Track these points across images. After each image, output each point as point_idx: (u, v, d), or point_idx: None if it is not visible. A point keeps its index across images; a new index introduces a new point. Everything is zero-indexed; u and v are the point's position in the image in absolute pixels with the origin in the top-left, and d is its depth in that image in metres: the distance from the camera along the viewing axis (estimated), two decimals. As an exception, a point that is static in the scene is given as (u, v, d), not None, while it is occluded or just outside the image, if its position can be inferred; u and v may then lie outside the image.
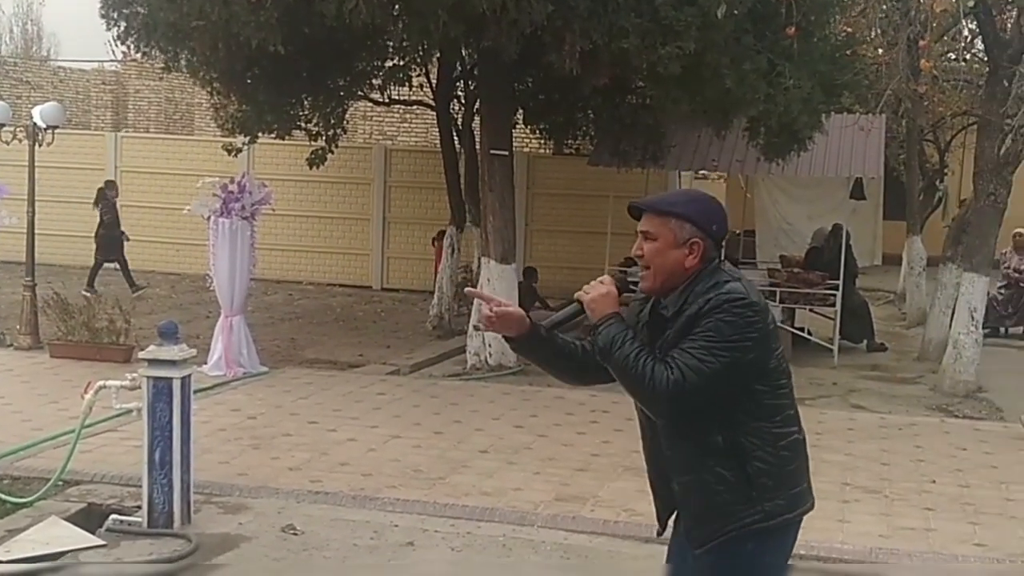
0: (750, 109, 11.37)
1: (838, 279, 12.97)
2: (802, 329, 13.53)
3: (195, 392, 6.69)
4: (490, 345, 11.75)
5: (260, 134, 14.07)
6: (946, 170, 19.51)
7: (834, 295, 12.92)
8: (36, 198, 12.20)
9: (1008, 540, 6.65)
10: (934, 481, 7.82)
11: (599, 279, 3.54)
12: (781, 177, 18.74)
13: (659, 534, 3.71)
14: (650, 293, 3.51)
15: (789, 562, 3.53)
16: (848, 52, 12.47)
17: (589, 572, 6.16)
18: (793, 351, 12.95)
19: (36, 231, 12.24)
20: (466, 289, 3.72)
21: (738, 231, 20.83)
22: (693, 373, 3.22)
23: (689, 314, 3.33)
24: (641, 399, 3.35)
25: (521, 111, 14.67)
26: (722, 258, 3.53)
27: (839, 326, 13.06)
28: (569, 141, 17.03)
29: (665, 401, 3.25)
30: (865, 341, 13.86)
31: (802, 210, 20.60)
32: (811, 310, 13.71)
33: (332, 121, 14.47)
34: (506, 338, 3.65)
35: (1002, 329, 14.92)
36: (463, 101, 15.18)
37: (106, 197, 16.61)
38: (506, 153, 12.06)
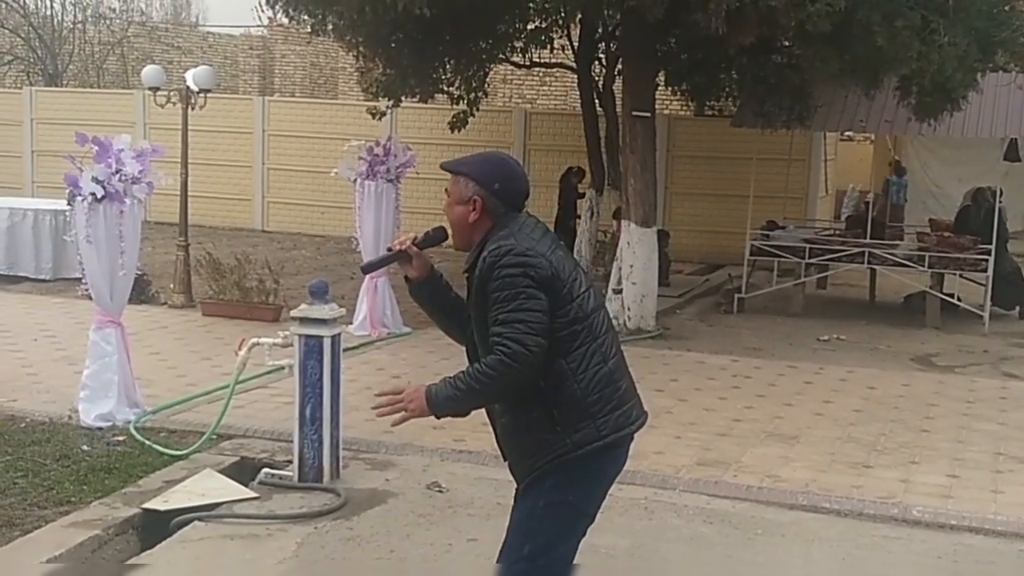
0: (902, 67, 11.02)
1: (989, 243, 12.54)
2: (951, 295, 13.12)
3: (342, 351, 6.83)
4: (629, 309, 11.70)
5: (403, 98, 14.21)
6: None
7: (985, 260, 12.50)
8: (188, 161, 12.55)
9: None
10: (1095, 453, 7.54)
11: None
12: (931, 139, 18.20)
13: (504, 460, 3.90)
14: (457, 247, 3.77)
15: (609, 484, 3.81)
16: (1006, 8, 11.96)
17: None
18: (942, 317, 12.64)
19: (188, 193, 12.60)
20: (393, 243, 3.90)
21: (907, 199, 20.34)
22: (517, 333, 3.47)
23: (477, 276, 3.60)
24: (511, 387, 3.53)
25: (663, 72, 14.50)
26: (525, 215, 3.73)
27: (990, 292, 12.63)
28: (711, 102, 16.79)
29: (524, 369, 3.47)
30: (1017, 308, 13.37)
31: (952, 173, 19.98)
32: (960, 275, 13.28)
33: (473, 84, 14.54)
34: (406, 279, 3.87)
35: None
36: (604, 63, 15.06)
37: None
38: (648, 115, 11.93)
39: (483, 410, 3.79)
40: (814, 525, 6.25)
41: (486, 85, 15.04)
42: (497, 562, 3.76)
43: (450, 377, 3.59)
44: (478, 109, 15.04)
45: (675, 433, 7.81)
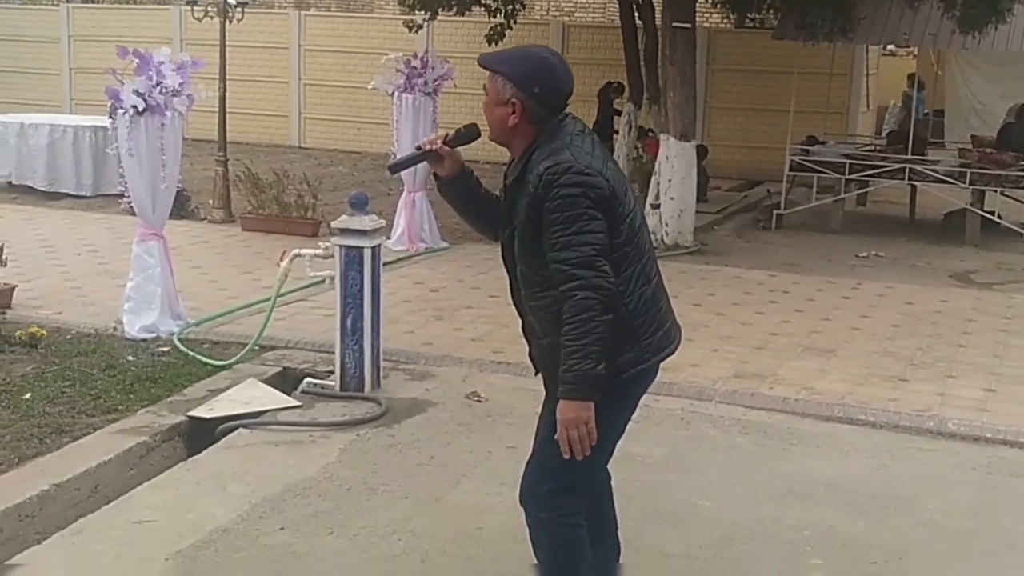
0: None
1: (1031, 160, 12.38)
2: (992, 212, 12.97)
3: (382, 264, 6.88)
4: (666, 224, 11.68)
5: (440, 10, 14.09)
6: None
7: (1028, 177, 12.36)
8: (226, 76, 12.54)
9: None
10: None
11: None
12: (975, 54, 17.80)
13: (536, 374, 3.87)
14: (493, 140, 3.64)
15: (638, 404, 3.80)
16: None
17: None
18: (982, 235, 12.53)
19: (226, 109, 12.61)
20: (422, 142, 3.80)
21: (927, 111, 20.03)
22: (584, 257, 3.35)
23: (531, 194, 3.44)
24: (607, 315, 3.38)
25: (704, -17, 14.30)
26: (572, 122, 3.58)
27: (1033, 209, 12.50)
28: (752, 14, 16.54)
29: (603, 294, 3.36)
30: (1060, 225, 13.24)
31: (996, 89, 19.55)
32: (1002, 193, 13.13)
33: (512, -4, 14.39)
34: (435, 175, 3.77)
35: None
36: (643, -27, 14.85)
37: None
38: (689, 26, 11.79)
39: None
40: (850, 436, 6.29)
41: (524, -3, 14.88)
42: (525, 470, 3.77)
43: (563, 366, 3.40)
44: (515, 22, 14.89)
45: (712, 346, 7.84)
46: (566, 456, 3.47)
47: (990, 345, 8.11)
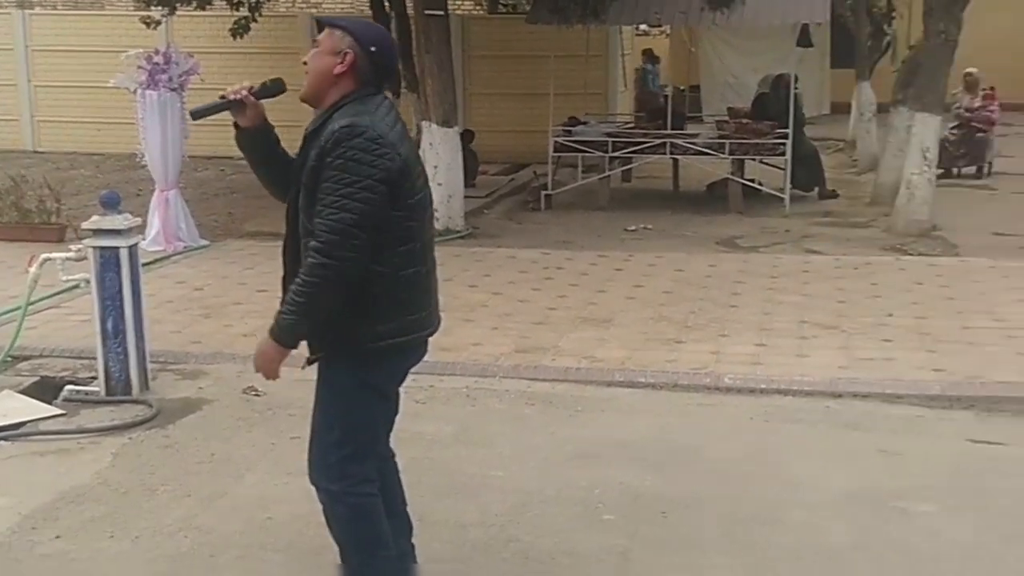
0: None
1: (786, 128, 12.89)
2: (753, 180, 13.46)
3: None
4: (436, 209, 11.56)
5: (178, 4, 13.56)
6: (894, 14, 19.33)
7: (783, 144, 12.85)
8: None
9: (965, 364, 6.74)
10: (891, 315, 7.89)
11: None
12: (725, 29, 18.55)
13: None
14: (303, 99, 3.59)
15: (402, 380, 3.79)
16: None
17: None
18: (745, 202, 12.98)
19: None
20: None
21: (683, 87, 20.67)
22: (340, 224, 3.34)
23: (319, 146, 3.43)
24: (338, 284, 3.40)
25: (454, -30, 14.27)
26: (385, 96, 3.62)
27: (790, 175, 13.02)
28: (504, 1, 16.64)
29: (343, 264, 3.36)
30: (816, 189, 13.85)
31: (748, 63, 20.46)
32: (761, 161, 13.66)
33: (255, -12, 14.00)
34: (235, 126, 3.70)
35: (955, 170, 15.00)
36: (391, -39, 14.71)
37: None
38: (441, 13, 11.73)
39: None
40: (631, 399, 6.37)
41: (268, -11, 14.48)
42: (309, 450, 3.73)
43: (280, 309, 3.46)
44: (260, 15, 14.49)
45: (492, 324, 7.81)
46: (256, 371, 3.57)
47: (759, 304, 8.37)
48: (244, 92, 3.62)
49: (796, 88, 13.45)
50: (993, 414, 6.10)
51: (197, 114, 3.83)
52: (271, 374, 3.54)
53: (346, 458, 3.63)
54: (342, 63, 3.52)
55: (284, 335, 3.45)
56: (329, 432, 3.63)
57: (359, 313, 3.48)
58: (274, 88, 3.67)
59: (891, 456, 5.52)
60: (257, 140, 3.70)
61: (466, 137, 14.33)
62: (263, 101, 3.67)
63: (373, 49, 3.54)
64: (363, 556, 3.70)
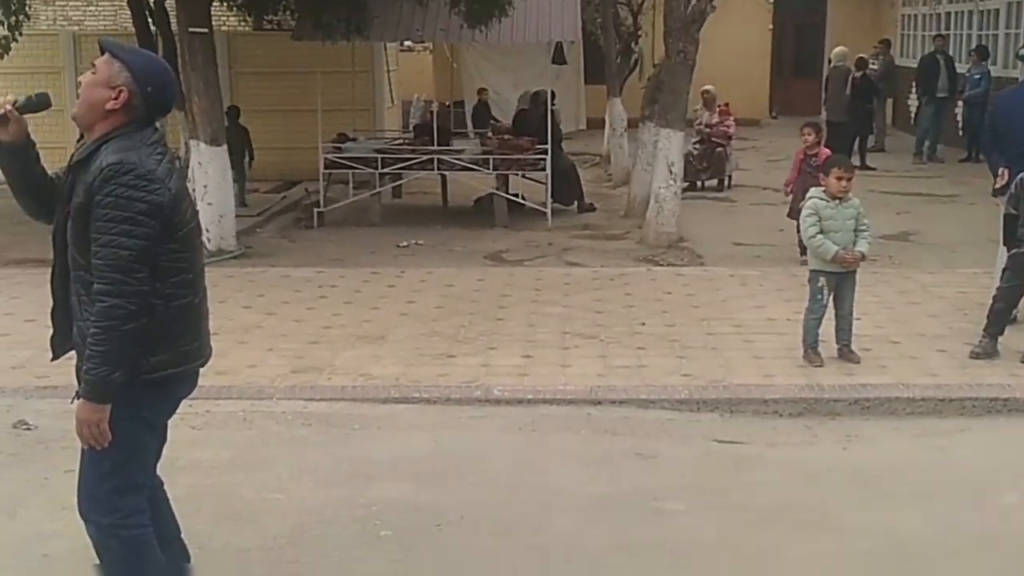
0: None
1: (546, 144, 13.41)
2: (516, 195, 13.93)
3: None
4: (208, 230, 11.53)
5: (-68, 23, 13.01)
6: (640, 32, 20.26)
7: (544, 159, 13.37)
8: None
9: (710, 368, 7.31)
10: (644, 323, 8.43)
11: None
12: (486, 46, 18.99)
13: (52, 360, 3.92)
14: (74, 119, 3.67)
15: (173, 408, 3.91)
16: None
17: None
18: (510, 216, 13.44)
19: None
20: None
21: (448, 103, 21.09)
22: (120, 262, 3.43)
23: (87, 182, 3.49)
24: (134, 321, 3.46)
25: (216, -14, 14.16)
26: (155, 130, 3.69)
27: (550, 189, 13.55)
28: (269, 16, 16.60)
29: (131, 300, 3.44)
30: (575, 202, 14.43)
31: (508, 79, 21.01)
32: (523, 175, 14.15)
33: (13, 7, 13.53)
34: None
35: (699, 183, 15.88)
36: (153, -21, 14.51)
37: None
38: (206, 30, 11.69)
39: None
40: (407, 415, 6.64)
41: (27, 7, 14.03)
42: (78, 484, 3.77)
43: (84, 367, 3.49)
44: (21, 34, 14.04)
45: (267, 346, 7.93)
46: (85, 447, 3.58)
47: (524, 316, 8.78)
48: (8, 107, 3.62)
49: (553, 105, 14.01)
50: (735, 415, 6.69)
51: None
52: (101, 438, 3.52)
53: (115, 490, 3.68)
54: (115, 99, 3.56)
55: (98, 391, 3.47)
56: (99, 465, 3.66)
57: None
58: (39, 103, 3.69)
59: (646, 459, 6.00)
60: (17, 155, 3.68)
61: (232, 113, 14.29)
62: (26, 116, 3.66)
63: (150, 90, 3.59)
64: None
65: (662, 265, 10.71)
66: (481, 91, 20.21)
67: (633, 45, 19.75)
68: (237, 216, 12.19)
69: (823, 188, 7.43)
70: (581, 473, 5.77)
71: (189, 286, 3.67)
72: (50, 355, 3.86)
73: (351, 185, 14.17)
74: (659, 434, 6.38)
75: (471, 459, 5.94)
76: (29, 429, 6.25)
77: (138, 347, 3.51)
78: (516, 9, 12.93)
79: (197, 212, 3.82)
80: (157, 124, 3.75)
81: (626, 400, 6.82)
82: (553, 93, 14.18)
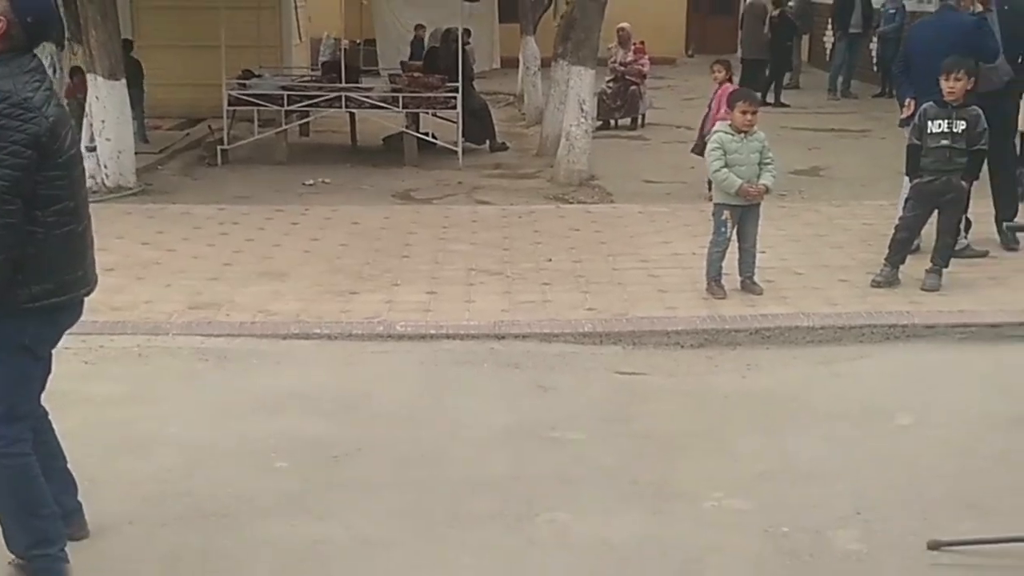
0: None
1: (456, 82, 13.27)
2: (427, 134, 13.79)
3: None
4: (106, 167, 11.25)
5: None
6: (555, -32, 20.08)
7: (455, 98, 13.23)
8: None
9: (614, 303, 7.32)
10: (550, 260, 8.41)
11: None
12: (397, -16, 18.71)
13: None
14: None
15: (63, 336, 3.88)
16: None
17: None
18: (420, 155, 13.30)
19: None
20: None
21: (358, 40, 20.78)
22: None
23: None
24: (3, 248, 3.44)
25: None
26: (32, 57, 3.62)
27: (462, 128, 13.43)
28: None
29: (6, 239, 3.42)
30: (487, 142, 14.34)
31: (420, 16, 20.75)
32: (434, 114, 13.99)
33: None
34: None
35: (612, 122, 15.87)
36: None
37: None
38: (104, -40, 11.34)
39: None
40: (307, 351, 6.56)
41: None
42: None
43: None
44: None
45: (165, 282, 7.77)
46: None
47: (430, 253, 8.70)
48: None
49: (468, 43, 13.85)
50: (638, 347, 6.71)
51: None
52: None
53: None
54: None
55: None
56: None
57: (14, 273, 3.49)
58: None
59: (547, 391, 6.00)
60: None
61: (126, 47, 13.89)
62: None
63: (29, 20, 3.55)
64: (23, 516, 3.74)
65: (571, 203, 10.68)
66: (418, 27, 19.92)
67: (548, -18, 19.57)
68: (138, 153, 11.90)
69: (728, 122, 7.44)
70: (481, 406, 5.76)
71: (71, 213, 3.62)
72: None
73: (256, 123, 13.89)
74: (561, 367, 6.37)
75: (371, 393, 5.89)
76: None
77: (10, 277, 3.47)
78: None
79: (78, 140, 3.76)
80: (35, 51, 3.66)
81: (529, 334, 6.80)
82: (468, 31, 14.04)
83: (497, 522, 4.48)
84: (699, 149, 9.54)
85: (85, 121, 11.36)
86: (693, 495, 4.74)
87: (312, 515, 4.51)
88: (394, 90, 13.78)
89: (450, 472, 4.96)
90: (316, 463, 4.99)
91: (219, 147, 13.32)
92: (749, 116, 7.32)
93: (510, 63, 21.03)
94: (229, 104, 13.49)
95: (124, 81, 11.51)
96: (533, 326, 6.90)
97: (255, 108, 13.57)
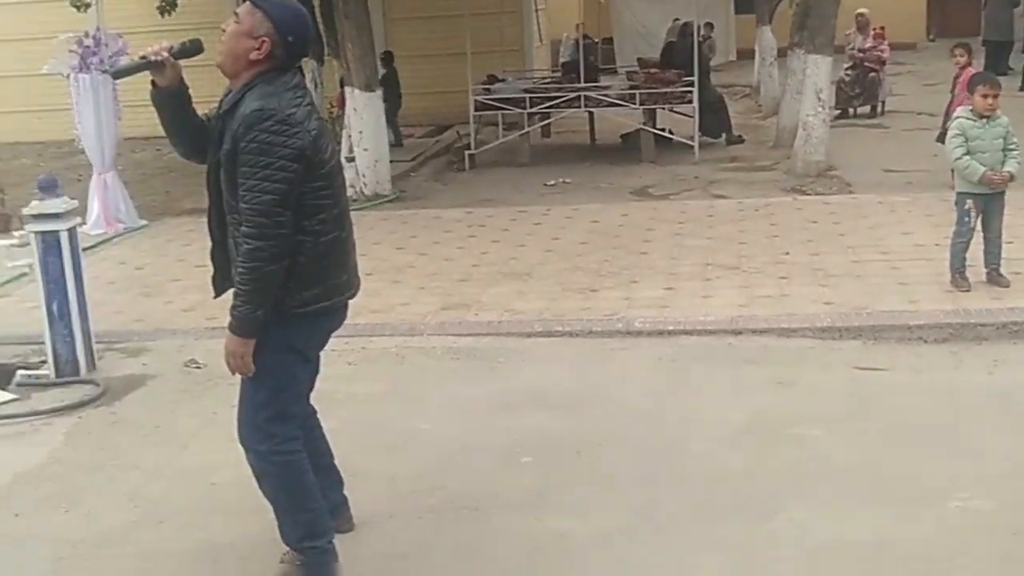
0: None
1: (693, 77, 13.34)
2: (663, 129, 13.93)
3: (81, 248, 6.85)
4: (363, 175, 11.95)
5: (105, -15, 13.67)
6: (793, -43, 19.79)
7: (691, 92, 13.31)
8: None
9: (854, 296, 7.29)
10: (788, 253, 8.44)
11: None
12: (633, -20, 18.86)
13: (214, 298, 4.10)
14: (219, 67, 3.82)
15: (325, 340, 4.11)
16: None
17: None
18: (657, 151, 13.46)
19: None
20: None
21: (596, 39, 21.06)
22: (264, 206, 3.61)
23: (232, 130, 3.68)
24: (275, 262, 3.66)
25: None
26: (295, 74, 3.83)
27: (698, 122, 13.50)
28: (419, -37, 16.91)
29: (276, 242, 3.64)
30: (724, 135, 14.35)
31: (657, 12, 20.84)
32: (671, 110, 14.11)
33: (178, -35, 14.15)
34: (153, 84, 3.89)
35: (851, 110, 15.56)
36: (308, -68, 14.93)
37: None
38: (358, -23, 12.02)
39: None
40: (550, 348, 6.84)
41: (192, -35, 14.65)
42: (238, 413, 4.02)
43: (233, 303, 3.71)
44: (186, -8, 14.66)
45: (418, 284, 8.25)
46: (232, 374, 3.82)
47: (667, 249, 8.88)
48: (164, 53, 3.80)
49: (710, 36, 13.88)
50: (879, 342, 6.65)
51: (119, 73, 4.10)
52: (245, 368, 3.76)
53: (271, 418, 3.93)
54: (258, 51, 3.70)
55: (243, 326, 3.69)
56: (256, 394, 3.92)
57: (287, 281, 3.72)
58: (192, 49, 3.89)
59: (786, 387, 6.04)
60: (172, 99, 3.88)
61: (387, 59, 14.64)
62: (180, 61, 3.87)
63: (290, 39, 3.73)
64: (294, 510, 4.03)
65: (809, 195, 10.62)
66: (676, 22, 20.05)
67: (784, -29, 19.29)
68: (392, 161, 12.55)
69: (970, 107, 7.29)
70: (720, 401, 5.86)
71: (335, 221, 3.85)
72: (212, 294, 4.09)
73: (501, 126, 14.38)
74: (800, 362, 6.40)
75: (611, 389, 6.10)
76: (199, 367, 6.69)
77: (280, 286, 3.71)
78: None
79: (337, 150, 3.98)
80: (300, 66, 3.92)
81: (767, 329, 6.87)
82: (710, 24, 14.08)
83: (735, 519, 4.55)
84: (942, 137, 9.31)
85: (344, 133, 12.09)
86: (937, 495, 4.66)
87: (556, 509, 4.73)
88: (631, 87, 13.97)
89: (689, 467, 5.09)
90: (559, 458, 5.23)
91: (466, 152, 13.86)
92: (990, 100, 7.15)
93: (746, 54, 20.86)
94: (475, 109, 14.02)
95: (380, 92, 12.18)
96: (771, 321, 6.97)
97: (499, 112, 14.05)
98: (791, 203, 10.26)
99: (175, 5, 14.48)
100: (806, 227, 9.20)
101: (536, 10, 19.05)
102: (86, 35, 10.71)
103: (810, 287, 7.55)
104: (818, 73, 11.53)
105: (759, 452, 5.22)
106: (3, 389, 6.43)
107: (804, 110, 11.68)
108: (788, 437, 5.38)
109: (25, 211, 6.53)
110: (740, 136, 14.36)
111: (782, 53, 16.15)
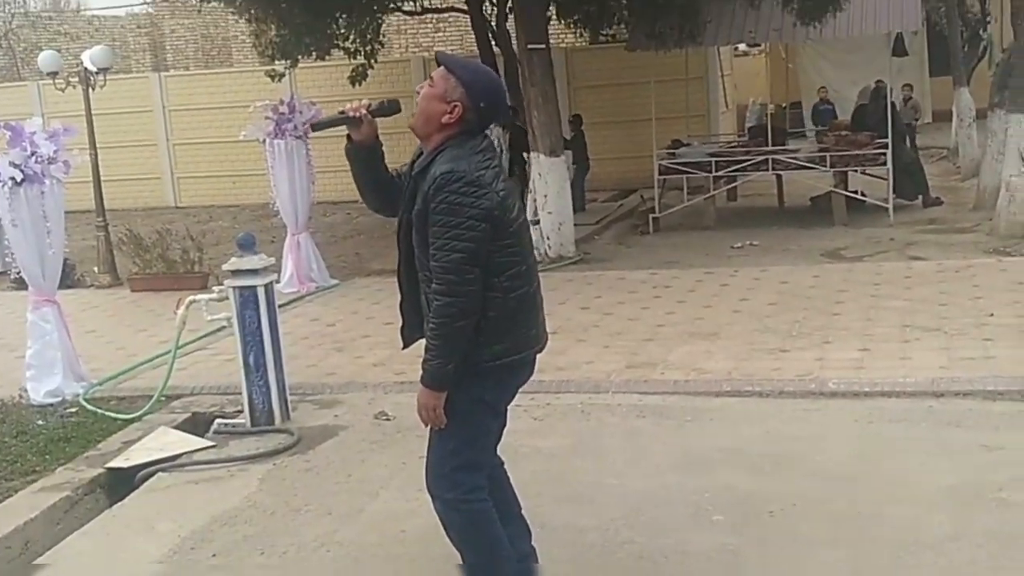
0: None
1: (886, 138, 13.03)
2: (856, 192, 13.62)
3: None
4: (548, 238, 12.04)
5: (300, 57, 14.32)
6: (988, 18, 19.26)
7: (884, 154, 13.00)
8: (96, 142, 12.56)
9: (1066, 359, 6.90)
10: (992, 315, 8.06)
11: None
12: (821, 43, 18.65)
13: (403, 349, 4.19)
14: (412, 128, 3.90)
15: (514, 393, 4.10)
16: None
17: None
18: (849, 214, 13.14)
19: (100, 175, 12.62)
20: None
21: (784, 104, 20.83)
22: (454, 264, 3.68)
23: (424, 190, 3.74)
24: (467, 318, 3.73)
25: (554, 5, 14.75)
26: (483, 137, 3.88)
27: (892, 184, 13.15)
28: (604, 30, 17.09)
29: (466, 299, 3.71)
30: (920, 197, 13.93)
31: (845, 75, 20.50)
32: (863, 172, 13.80)
33: (368, 36, 14.69)
34: (348, 139, 3.99)
35: (1057, 170, 14.87)
36: (495, 2, 15.29)
37: None
38: (543, 46, 12.21)
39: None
40: (739, 407, 6.68)
41: (381, 36, 15.18)
42: (426, 462, 4.07)
43: (424, 357, 3.79)
44: (376, 61, 15.19)
45: (603, 343, 8.20)
46: (425, 425, 3.90)
47: (862, 310, 8.60)
48: (363, 110, 3.96)
49: (912, 96, 13.56)
50: (1093, 407, 6.27)
51: (318, 126, 4.25)
52: (437, 420, 3.85)
53: (459, 468, 3.97)
54: (451, 114, 3.78)
55: (435, 380, 3.77)
56: (444, 445, 3.96)
57: (477, 335, 3.81)
58: (389, 108, 4.03)
59: (992, 451, 5.72)
60: (366, 153, 4.00)
61: (576, 121, 14.78)
62: (377, 120, 3.99)
63: (482, 105, 3.81)
64: (482, 558, 4.04)
65: (1013, 255, 10.18)
66: (821, 90, 19.80)
67: (981, 32, 18.82)
68: (576, 225, 12.61)
69: None
70: (920, 464, 5.60)
71: (523, 277, 3.90)
72: (401, 346, 4.16)
73: (685, 190, 14.31)
74: (1008, 426, 6.07)
75: (804, 450, 5.90)
76: (389, 419, 6.78)
77: (471, 340, 3.77)
78: (851, 2, 12.66)
79: (523, 208, 4.05)
80: (487, 132, 3.98)
81: (971, 392, 6.55)
82: (910, 86, 13.74)
83: (939, 585, 4.34)
84: None
85: (529, 196, 12.24)
86: None
87: (750, 568, 4.60)
88: (821, 150, 13.72)
89: (888, 532, 4.87)
90: (752, 518, 5.07)
91: (651, 215, 13.83)
92: None
93: (941, 116, 20.28)
94: (660, 173, 14.01)
95: (563, 158, 12.29)
96: (976, 383, 6.64)
97: (684, 176, 13.99)
98: (995, 264, 9.83)
99: (365, 75, 15.01)
100: (1012, 288, 8.79)
101: (722, 76, 18.99)
102: (281, 102, 11.15)
103: (1018, 349, 7.18)
104: (1021, 133, 11.11)
105: (963, 517, 4.95)
106: (202, 436, 6.64)
107: (1007, 170, 11.25)
108: (995, 502, 5.10)
109: (224, 267, 6.78)
110: (938, 198, 13.91)
111: (981, 114, 15.64)
